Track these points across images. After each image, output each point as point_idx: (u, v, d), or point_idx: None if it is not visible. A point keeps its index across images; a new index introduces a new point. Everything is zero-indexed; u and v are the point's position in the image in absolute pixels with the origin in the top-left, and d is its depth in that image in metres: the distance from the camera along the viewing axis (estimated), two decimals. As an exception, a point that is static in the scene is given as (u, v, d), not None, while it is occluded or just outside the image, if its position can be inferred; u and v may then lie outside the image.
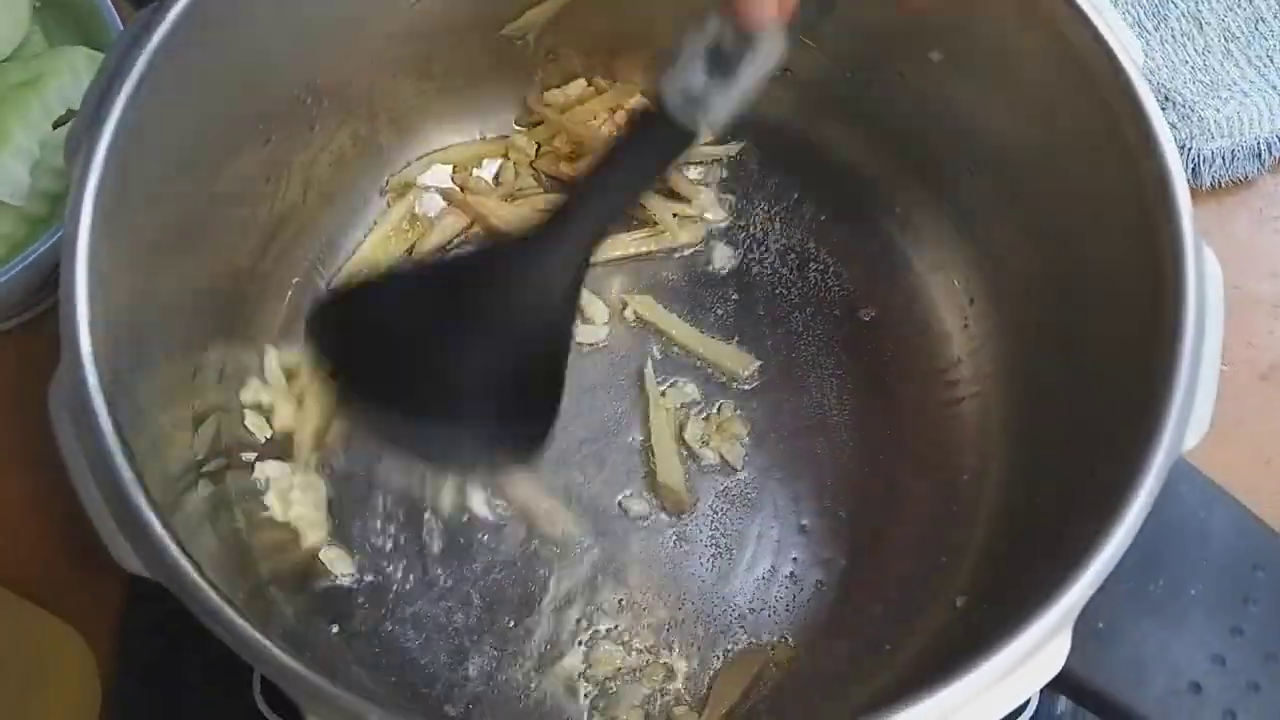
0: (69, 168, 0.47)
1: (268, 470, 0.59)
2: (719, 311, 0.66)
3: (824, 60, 0.63)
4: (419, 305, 0.51)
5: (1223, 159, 0.71)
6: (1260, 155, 0.71)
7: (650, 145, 0.48)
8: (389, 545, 0.60)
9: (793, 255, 0.67)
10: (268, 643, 0.41)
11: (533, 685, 0.58)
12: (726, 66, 0.44)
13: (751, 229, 0.68)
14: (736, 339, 0.65)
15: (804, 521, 0.61)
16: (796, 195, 0.68)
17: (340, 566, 0.59)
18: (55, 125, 0.64)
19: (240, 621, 0.41)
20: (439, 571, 0.60)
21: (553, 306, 0.50)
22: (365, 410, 0.54)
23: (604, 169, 0.49)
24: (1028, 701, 0.49)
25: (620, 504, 0.62)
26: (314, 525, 0.59)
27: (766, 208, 0.68)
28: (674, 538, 0.61)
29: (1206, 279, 0.46)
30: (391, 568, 0.60)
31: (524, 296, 0.50)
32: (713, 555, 0.61)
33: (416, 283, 0.54)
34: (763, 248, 0.67)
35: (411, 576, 0.60)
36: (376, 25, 0.60)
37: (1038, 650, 0.41)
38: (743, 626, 0.59)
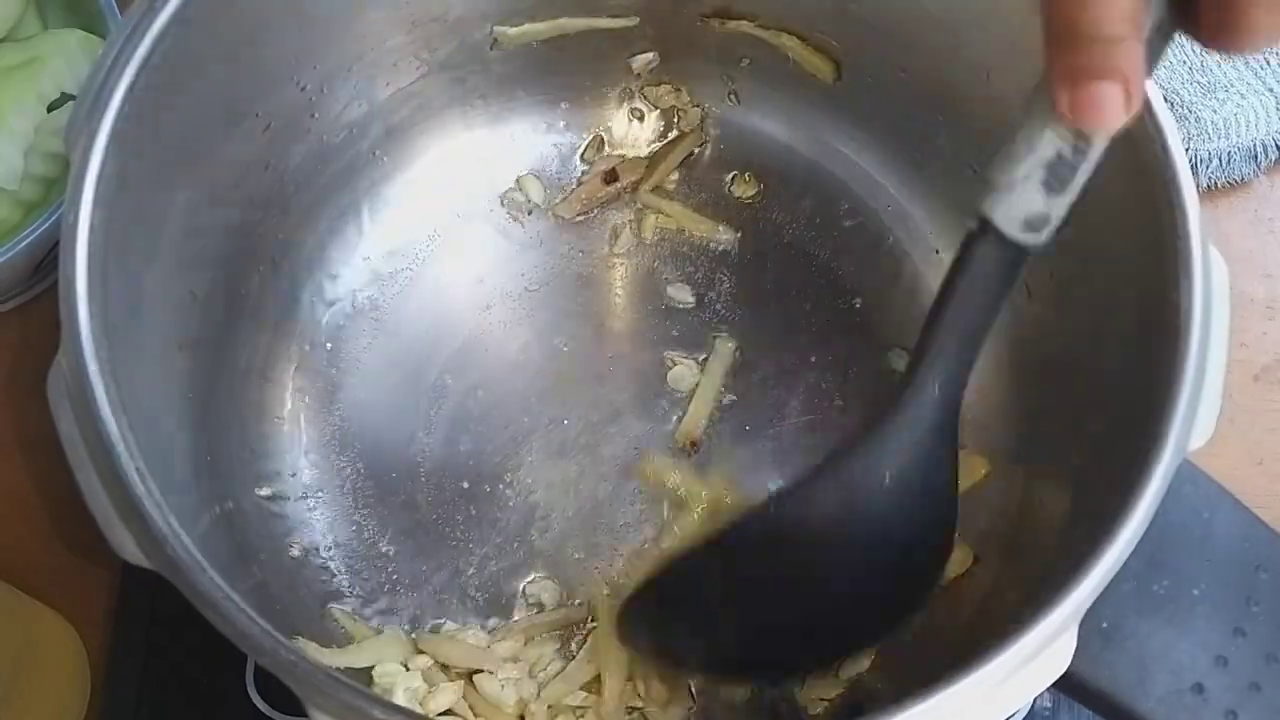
0: (69, 154, 0.47)
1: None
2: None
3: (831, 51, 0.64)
4: (753, 559, 0.48)
5: (1219, 160, 0.71)
6: (1256, 157, 0.71)
7: (991, 272, 0.43)
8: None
9: (794, 251, 0.67)
10: (269, 635, 0.41)
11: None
12: (1067, 177, 0.40)
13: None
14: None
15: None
16: (795, 188, 0.69)
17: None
18: (50, 109, 0.64)
19: (241, 613, 0.41)
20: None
21: (926, 490, 0.46)
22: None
23: (948, 311, 0.44)
24: (1024, 700, 0.49)
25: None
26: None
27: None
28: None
29: (1213, 279, 0.46)
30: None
31: (904, 492, 0.46)
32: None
33: (743, 538, 0.49)
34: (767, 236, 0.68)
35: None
36: (377, 11, 0.59)
37: (1043, 649, 0.41)
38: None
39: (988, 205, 0.41)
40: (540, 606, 0.59)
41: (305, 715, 0.41)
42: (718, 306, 0.66)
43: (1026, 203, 0.40)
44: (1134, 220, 0.49)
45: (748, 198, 0.69)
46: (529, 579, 0.60)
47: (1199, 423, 0.44)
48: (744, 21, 0.65)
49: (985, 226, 0.41)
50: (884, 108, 0.65)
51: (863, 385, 0.64)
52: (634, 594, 0.52)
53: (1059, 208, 0.40)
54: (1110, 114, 0.36)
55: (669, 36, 0.66)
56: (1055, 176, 0.40)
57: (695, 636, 0.50)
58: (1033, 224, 0.41)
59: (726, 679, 0.55)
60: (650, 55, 0.67)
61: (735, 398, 0.64)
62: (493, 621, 0.59)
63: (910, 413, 0.45)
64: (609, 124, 0.70)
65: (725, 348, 0.65)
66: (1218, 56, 0.73)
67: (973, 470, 0.59)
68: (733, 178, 0.69)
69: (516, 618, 0.59)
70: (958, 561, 0.56)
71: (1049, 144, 0.39)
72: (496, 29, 0.64)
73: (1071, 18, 0.36)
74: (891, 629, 0.49)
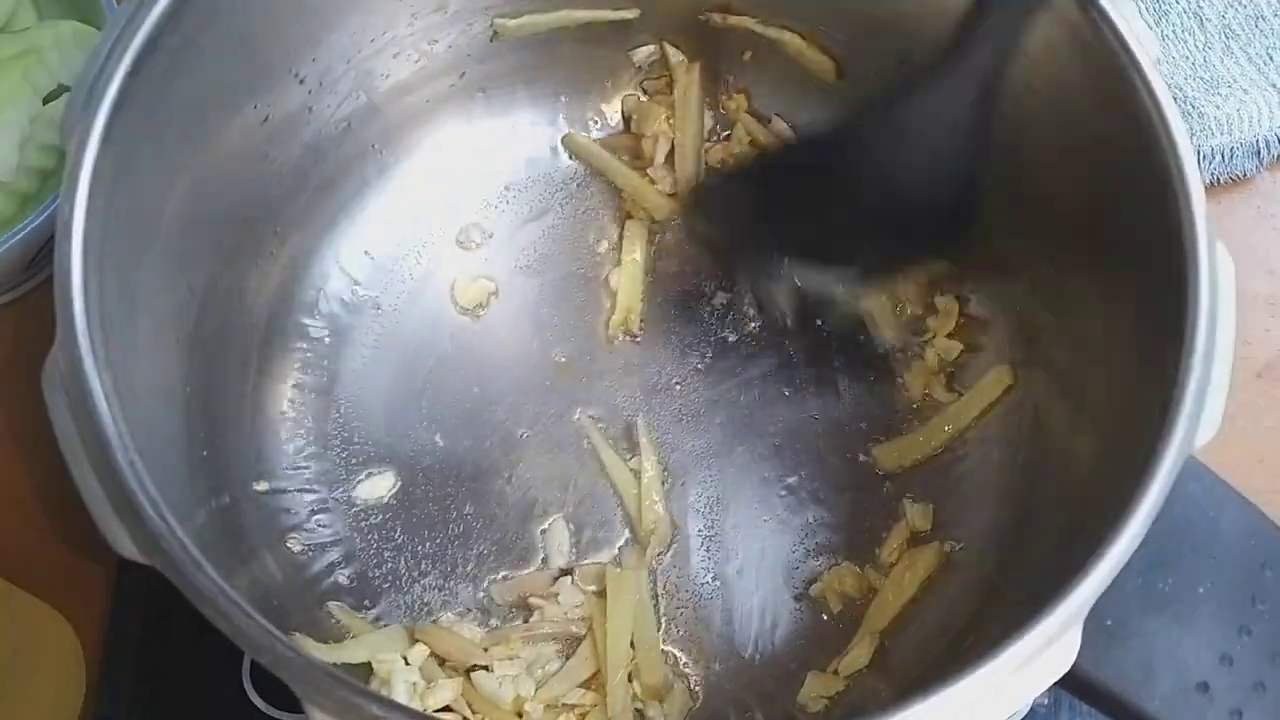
0: (65, 145, 0.47)
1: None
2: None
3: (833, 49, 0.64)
4: (828, 169, 0.57)
5: (1222, 156, 0.71)
6: (1259, 153, 0.71)
7: None
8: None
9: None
10: (265, 632, 0.40)
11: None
12: None
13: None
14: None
15: (809, 515, 0.61)
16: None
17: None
18: (45, 101, 0.64)
19: (237, 609, 0.41)
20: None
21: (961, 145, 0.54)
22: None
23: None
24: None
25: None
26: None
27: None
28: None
29: (1219, 274, 0.46)
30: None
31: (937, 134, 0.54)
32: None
33: (818, 150, 0.60)
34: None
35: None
36: (376, 3, 0.59)
37: (1048, 647, 0.40)
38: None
39: None
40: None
41: (302, 712, 0.41)
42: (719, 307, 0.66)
43: None
44: (1140, 216, 0.48)
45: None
46: (527, 572, 0.60)
47: (1205, 418, 0.44)
48: (746, 17, 0.64)
49: None
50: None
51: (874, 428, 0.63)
52: (701, 186, 0.66)
53: None
54: None
55: (670, 30, 0.66)
56: None
57: (753, 224, 0.60)
58: None
59: (777, 264, 0.61)
60: (651, 48, 0.67)
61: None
62: (493, 621, 0.59)
63: (965, 65, 0.52)
64: (609, 117, 0.70)
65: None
66: (1220, 52, 0.73)
67: (998, 381, 0.61)
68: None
69: (515, 621, 0.59)
70: (995, 380, 0.61)
71: None
72: (497, 21, 0.63)
73: None
74: (921, 248, 0.60)
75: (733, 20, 0.65)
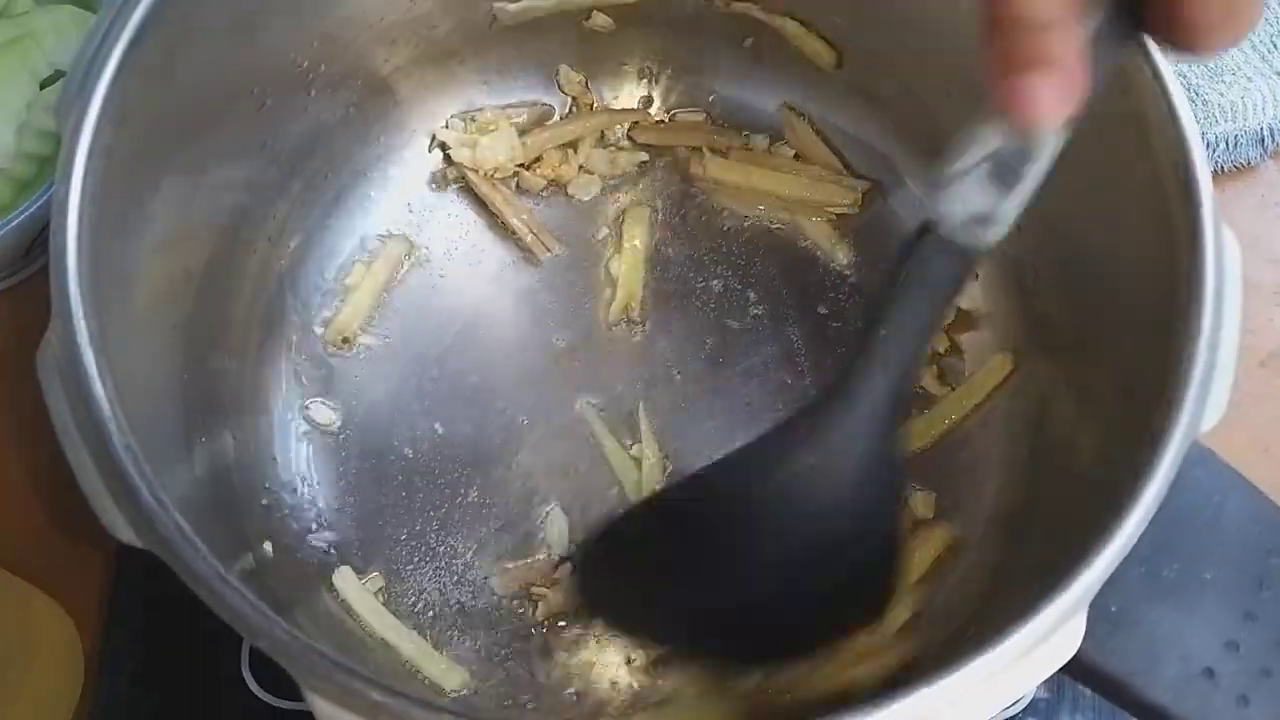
0: (60, 129, 0.46)
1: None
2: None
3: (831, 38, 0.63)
4: (695, 527, 0.49)
5: (1226, 144, 0.71)
6: (1263, 141, 0.71)
7: (936, 272, 0.42)
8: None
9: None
10: (264, 616, 0.40)
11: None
12: (1011, 176, 0.38)
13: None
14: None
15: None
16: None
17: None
18: (43, 85, 0.63)
19: (235, 594, 0.40)
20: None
21: (869, 485, 0.46)
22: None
23: (895, 308, 0.43)
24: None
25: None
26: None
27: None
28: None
29: (1225, 259, 0.45)
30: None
31: (833, 471, 0.45)
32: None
33: (688, 501, 0.51)
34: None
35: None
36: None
37: (1052, 633, 0.40)
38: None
39: (932, 201, 0.40)
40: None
41: (301, 701, 0.40)
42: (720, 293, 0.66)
43: (969, 200, 0.39)
44: (1146, 201, 0.48)
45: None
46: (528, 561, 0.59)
47: (1211, 403, 0.43)
48: (749, 2, 0.64)
49: (929, 224, 0.40)
50: (887, 84, 0.64)
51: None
52: (588, 551, 0.55)
53: (1006, 208, 0.39)
54: (1044, 108, 0.34)
55: (671, 14, 0.66)
56: (999, 174, 0.38)
57: (645, 603, 0.51)
58: (976, 220, 0.39)
59: (676, 652, 0.55)
60: (607, 20, 0.65)
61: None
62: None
63: (855, 405, 0.45)
64: (608, 103, 0.69)
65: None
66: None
67: (1000, 368, 0.60)
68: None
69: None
70: (997, 367, 0.59)
71: (989, 139, 0.37)
72: (496, 6, 0.63)
73: None
74: (825, 639, 0.50)
75: (736, 6, 0.64)
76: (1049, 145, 0.37)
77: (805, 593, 0.48)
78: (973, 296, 0.63)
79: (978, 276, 0.62)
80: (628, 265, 0.65)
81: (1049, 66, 0.33)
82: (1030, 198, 0.39)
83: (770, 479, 0.47)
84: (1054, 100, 0.34)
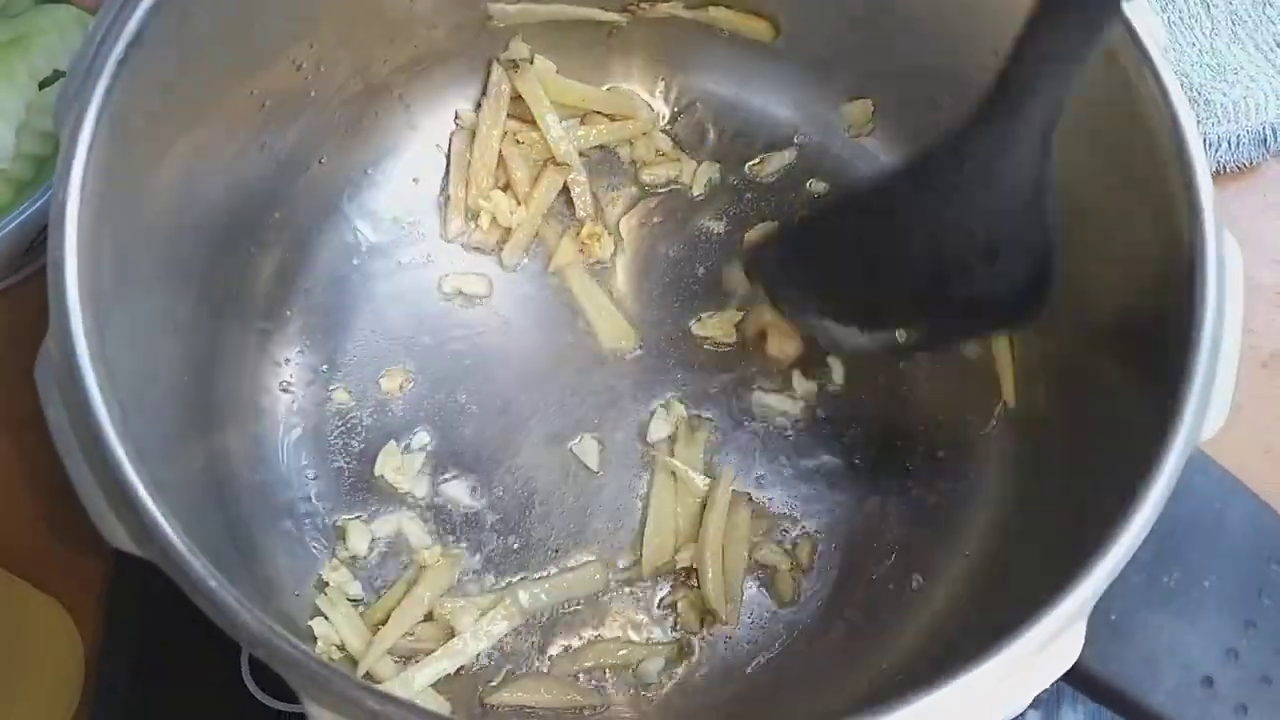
0: (59, 130, 0.46)
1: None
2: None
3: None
4: (867, 231, 0.52)
5: (1228, 144, 0.70)
6: (1266, 141, 0.71)
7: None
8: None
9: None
10: (262, 624, 0.40)
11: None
12: None
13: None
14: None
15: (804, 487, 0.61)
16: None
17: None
18: (41, 86, 0.63)
19: (233, 601, 0.40)
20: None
21: (1025, 196, 0.46)
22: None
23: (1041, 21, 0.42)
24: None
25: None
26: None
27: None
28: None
29: (1227, 264, 0.45)
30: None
31: (990, 193, 0.47)
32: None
33: (858, 211, 0.54)
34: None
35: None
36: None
37: (1053, 641, 0.40)
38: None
39: None
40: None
41: (299, 703, 0.40)
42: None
43: None
44: (1148, 204, 0.48)
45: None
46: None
47: (1211, 410, 0.43)
48: (674, 2, 0.65)
49: None
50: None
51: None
52: (760, 242, 0.62)
53: None
54: None
55: (654, 31, 0.66)
56: None
57: (811, 283, 0.56)
58: None
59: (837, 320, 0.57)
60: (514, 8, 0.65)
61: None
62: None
63: (1010, 131, 0.45)
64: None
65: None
66: (1227, 39, 0.72)
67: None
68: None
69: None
70: None
71: None
72: (492, 7, 0.63)
73: None
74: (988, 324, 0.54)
75: (661, 8, 0.65)
76: None
77: (962, 279, 0.50)
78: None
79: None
80: (596, 315, 0.65)
81: None
82: None
83: (933, 185, 0.49)
84: None
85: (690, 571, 0.59)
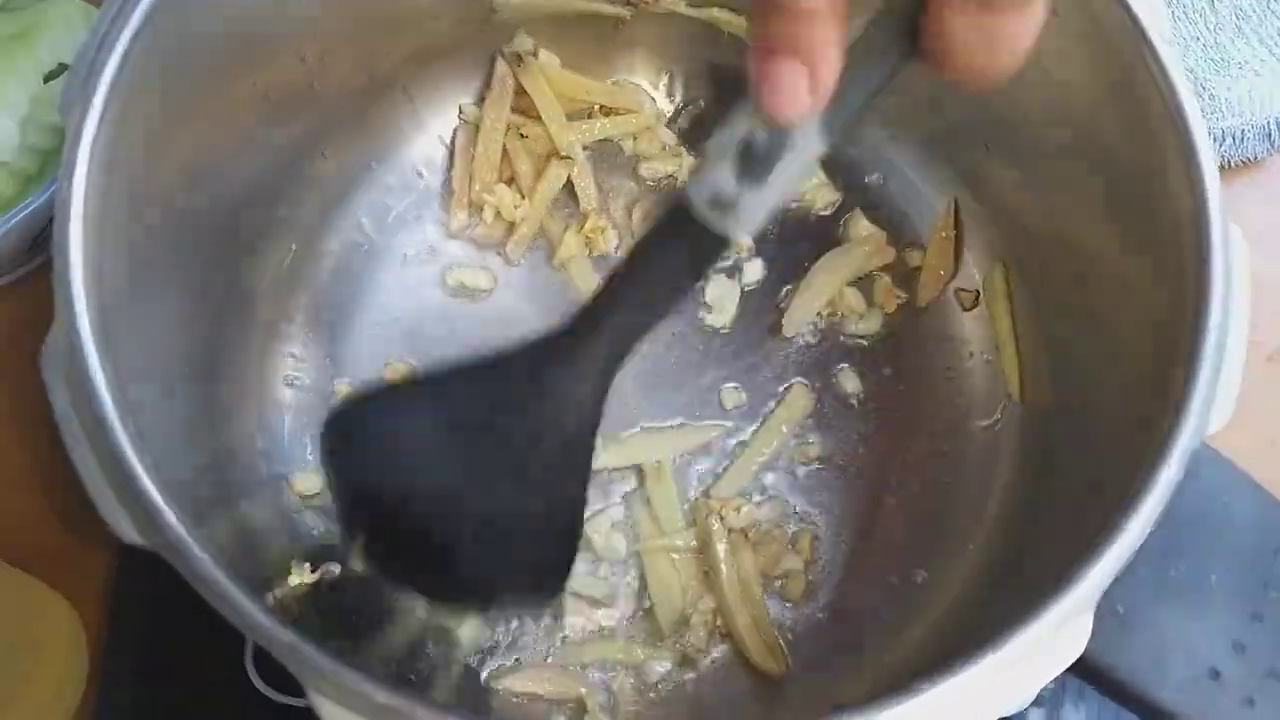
0: (65, 123, 0.46)
1: None
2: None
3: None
4: (430, 419, 0.46)
5: (1233, 138, 0.70)
6: (1270, 136, 0.70)
7: (682, 248, 0.40)
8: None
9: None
10: (270, 618, 0.40)
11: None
12: (760, 167, 0.37)
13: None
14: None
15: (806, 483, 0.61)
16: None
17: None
18: (46, 79, 0.63)
19: (239, 594, 0.40)
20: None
21: (570, 424, 0.44)
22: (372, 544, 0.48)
23: (634, 269, 0.42)
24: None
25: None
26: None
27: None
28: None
29: (1233, 258, 0.45)
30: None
31: (540, 408, 0.43)
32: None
33: (430, 393, 0.48)
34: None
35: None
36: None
37: (1059, 633, 0.40)
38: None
39: (690, 181, 0.39)
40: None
41: (304, 696, 0.40)
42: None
43: (717, 180, 0.37)
44: (1153, 199, 0.48)
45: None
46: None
47: (1218, 404, 0.43)
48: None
49: (683, 194, 0.39)
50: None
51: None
52: (346, 402, 0.49)
53: (753, 198, 0.37)
54: (786, 97, 0.33)
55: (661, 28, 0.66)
56: (748, 162, 0.37)
57: (378, 474, 0.47)
58: (720, 204, 0.38)
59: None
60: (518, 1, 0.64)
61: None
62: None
63: (575, 347, 0.43)
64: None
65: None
66: (1232, 33, 0.72)
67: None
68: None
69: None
70: None
71: (741, 123, 0.36)
72: (497, 0, 0.63)
73: None
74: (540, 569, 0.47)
75: (665, 2, 0.64)
76: (797, 145, 0.36)
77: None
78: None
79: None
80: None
81: (797, 55, 0.33)
82: (778, 204, 0.38)
83: (503, 395, 0.45)
84: (795, 90, 0.33)
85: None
